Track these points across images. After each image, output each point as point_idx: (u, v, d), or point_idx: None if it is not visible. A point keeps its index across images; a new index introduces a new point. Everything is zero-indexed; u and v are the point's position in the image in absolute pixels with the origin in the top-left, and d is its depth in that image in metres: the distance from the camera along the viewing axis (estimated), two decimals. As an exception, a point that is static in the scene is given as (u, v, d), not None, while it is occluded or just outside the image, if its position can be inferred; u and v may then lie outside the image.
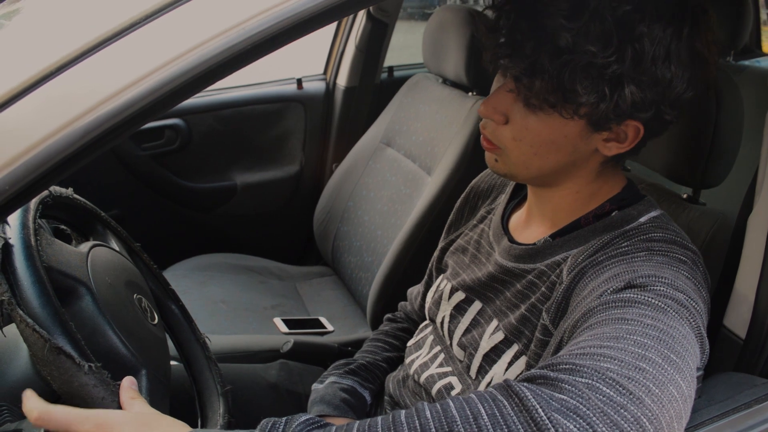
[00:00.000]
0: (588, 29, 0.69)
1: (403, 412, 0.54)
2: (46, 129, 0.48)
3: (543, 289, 0.81)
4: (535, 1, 0.72)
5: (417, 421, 0.53)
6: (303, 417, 0.56)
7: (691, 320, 0.63)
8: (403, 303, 1.25)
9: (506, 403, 0.52)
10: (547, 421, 0.49)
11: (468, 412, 0.52)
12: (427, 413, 0.53)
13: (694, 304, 0.65)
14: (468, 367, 0.89)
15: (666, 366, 0.55)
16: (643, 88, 0.72)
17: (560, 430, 0.49)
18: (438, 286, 1.03)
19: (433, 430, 0.51)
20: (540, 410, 0.50)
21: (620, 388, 0.52)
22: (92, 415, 0.60)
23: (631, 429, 0.50)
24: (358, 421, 0.55)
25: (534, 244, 0.86)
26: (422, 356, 1.01)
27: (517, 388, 0.53)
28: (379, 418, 0.54)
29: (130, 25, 0.51)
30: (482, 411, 0.52)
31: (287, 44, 0.52)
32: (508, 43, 0.74)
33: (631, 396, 0.51)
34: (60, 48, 0.53)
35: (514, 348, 0.83)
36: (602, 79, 0.71)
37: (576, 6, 0.69)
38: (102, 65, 0.52)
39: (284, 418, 0.56)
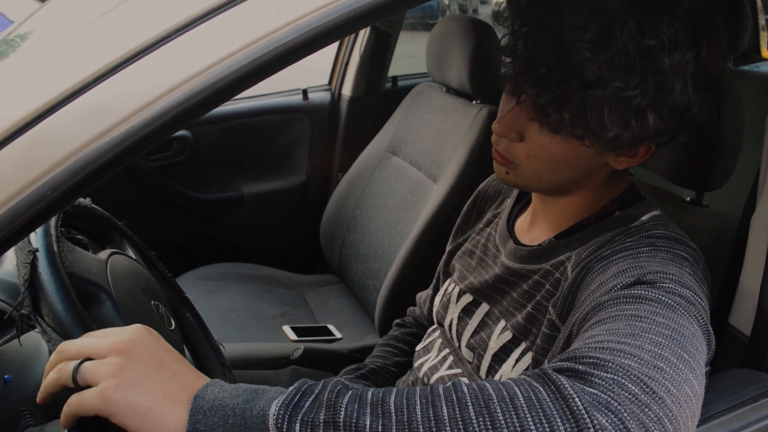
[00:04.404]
0: (613, 62, 0.69)
1: (440, 386, 0.54)
2: (86, 136, 0.50)
3: (548, 286, 0.83)
4: (555, 30, 0.72)
5: (454, 395, 0.53)
6: (341, 379, 0.56)
7: (699, 317, 0.64)
8: (412, 308, 1.27)
9: (542, 389, 0.52)
10: (584, 413, 0.50)
11: (504, 392, 0.52)
12: (464, 388, 0.53)
13: (699, 300, 0.66)
14: (477, 368, 0.90)
15: (681, 366, 0.56)
16: (663, 116, 0.73)
17: (596, 423, 0.49)
18: (446, 290, 1.05)
19: (470, 404, 0.51)
20: (578, 400, 0.50)
21: (644, 387, 0.52)
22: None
23: (655, 428, 0.51)
24: (396, 388, 0.55)
25: (539, 245, 0.87)
26: (431, 359, 1.02)
27: (554, 377, 0.53)
28: (418, 388, 0.54)
29: (161, 38, 0.53)
30: (518, 393, 0.52)
31: (309, 55, 0.54)
32: (532, 72, 0.74)
33: (654, 395, 0.52)
34: (96, 60, 0.55)
35: (522, 346, 0.84)
36: (628, 111, 0.71)
37: (600, 38, 0.69)
38: (137, 76, 0.54)
39: (321, 381, 0.56)
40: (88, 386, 0.56)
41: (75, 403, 0.56)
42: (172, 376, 0.56)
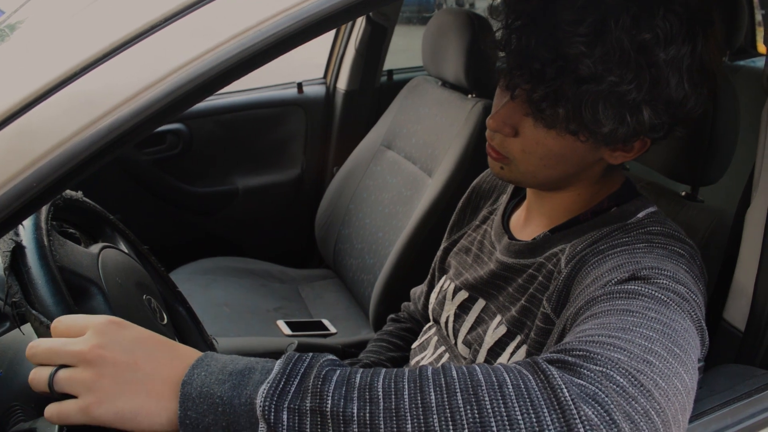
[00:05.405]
0: (608, 57, 0.69)
1: (429, 368, 0.54)
2: (71, 128, 0.49)
3: (541, 278, 0.83)
4: (549, 24, 0.71)
5: (443, 379, 0.52)
6: (329, 356, 0.55)
7: (692, 313, 0.64)
8: (406, 303, 1.26)
9: (531, 378, 0.52)
10: (571, 404, 0.49)
11: (494, 378, 0.52)
12: (453, 373, 0.53)
13: (694, 296, 0.66)
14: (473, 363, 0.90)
15: (671, 359, 0.56)
16: (659, 111, 0.73)
17: (582, 414, 0.49)
18: (441, 287, 1.04)
19: (459, 390, 0.51)
20: (566, 391, 0.50)
21: (633, 380, 0.52)
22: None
23: (641, 421, 0.50)
24: (385, 369, 0.54)
25: (533, 239, 0.87)
26: (427, 357, 1.02)
27: (544, 366, 0.53)
28: (407, 370, 0.54)
29: (149, 27, 0.52)
30: (507, 380, 0.52)
31: (301, 45, 0.53)
32: (526, 66, 0.73)
33: (642, 388, 0.52)
34: (82, 50, 0.54)
35: (517, 339, 0.84)
36: (623, 106, 0.71)
37: (595, 32, 0.69)
38: (123, 67, 0.53)
39: (310, 354, 0.55)
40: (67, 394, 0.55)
41: (57, 414, 0.55)
42: (150, 371, 0.55)
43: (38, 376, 0.56)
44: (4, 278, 0.91)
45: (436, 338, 1.03)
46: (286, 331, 1.58)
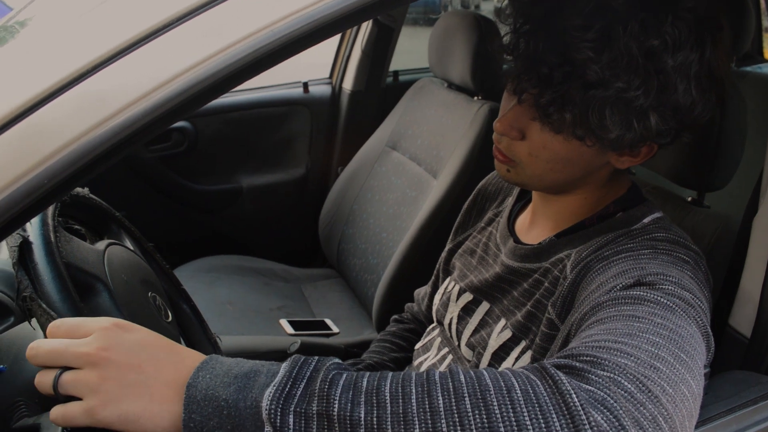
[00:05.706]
0: (616, 62, 0.69)
1: (437, 372, 0.53)
2: (82, 126, 0.49)
3: (547, 284, 0.82)
4: (557, 29, 0.71)
5: (450, 384, 0.52)
6: (335, 360, 0.55)
7: (698, 319, 0.64)
8: (409, 304, 1.26)
9: (539, 383, 0.52)
10: (581, 409, 0.49)
11: (502, 383, 0.51)
12: (461, 377, 0.52)
13: (699, 303, 0.66)
14: (477, 367, 0.90)
15: (677, 365, 0.55)
16: (666, 117, 0.73)
17: (591, 420, 0.49)
18: (446, 288, 1.04)
19: (467, 395, 0.51)
20: (575, 396, 0.50)
21: (640, 386, 0.52)
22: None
23: (650, 427, 0.50)
24: (392, 373, 0.54)
25: (539, 243, 0.87)
26: (430, 358, 1.02)
27: (552, 371, 0.53)
28: (414, 374, 0.53)
29: (161, 27, 0.52)
30: (516, 385, 0.51)
31: (311, 46, 0.53)
32: (533, 71, 0.73)
33: (650, 394, 0.52)
34: (94, 48, 0.54)
35: (522, 344, 0.84)
36: (630, 112, 0.71)
37: (603, 38, 0.69)
38: (135, 66, 0.53)
39: (316, 357, 0.55)
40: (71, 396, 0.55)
41: (62, 416, 0.55)
42: (154, 374, 0.55)
43: (44, 379, 0.56)
44: (7, 272, 0.92)
45: (439, 339, 1.03)
46: (289, 330, 1.58)
